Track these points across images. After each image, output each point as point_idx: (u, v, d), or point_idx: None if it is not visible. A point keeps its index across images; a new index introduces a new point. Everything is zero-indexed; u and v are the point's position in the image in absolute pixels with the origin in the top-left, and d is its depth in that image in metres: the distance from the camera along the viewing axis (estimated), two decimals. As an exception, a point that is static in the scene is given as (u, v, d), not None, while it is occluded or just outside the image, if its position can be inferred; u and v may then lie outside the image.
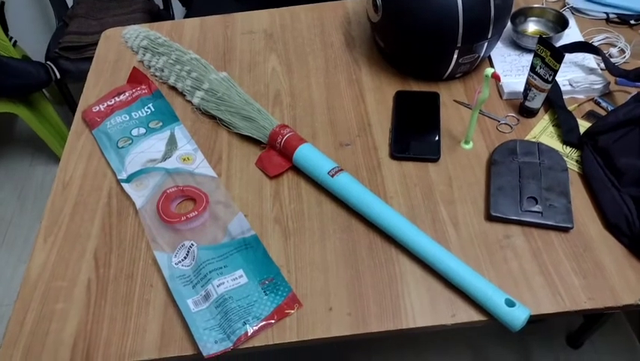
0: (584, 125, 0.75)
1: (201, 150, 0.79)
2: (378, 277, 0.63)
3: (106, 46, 1.00)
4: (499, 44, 0.89)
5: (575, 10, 0.95)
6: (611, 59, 0.84)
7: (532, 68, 0.74)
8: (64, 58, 1.53)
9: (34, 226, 1.65)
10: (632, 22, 0.91)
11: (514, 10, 0.86)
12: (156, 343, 0.59)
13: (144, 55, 0.95)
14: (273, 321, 0.60)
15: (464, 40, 0.77)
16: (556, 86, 0.80)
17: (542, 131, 0.77)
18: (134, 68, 0.91)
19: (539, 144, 0.73)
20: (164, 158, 0.77)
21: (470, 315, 0.59)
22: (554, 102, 0.78)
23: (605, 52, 0.84)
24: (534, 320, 0.59)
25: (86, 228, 0.71)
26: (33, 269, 0.67)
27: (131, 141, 0.80)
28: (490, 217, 0.67)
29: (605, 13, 0.93)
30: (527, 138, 0.76)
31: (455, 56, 0.79)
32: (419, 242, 0.63)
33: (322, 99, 0.85)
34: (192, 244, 0.66)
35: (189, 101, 0.86)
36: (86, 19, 1.61)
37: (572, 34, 0.90)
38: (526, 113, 0.79)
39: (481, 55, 0.82)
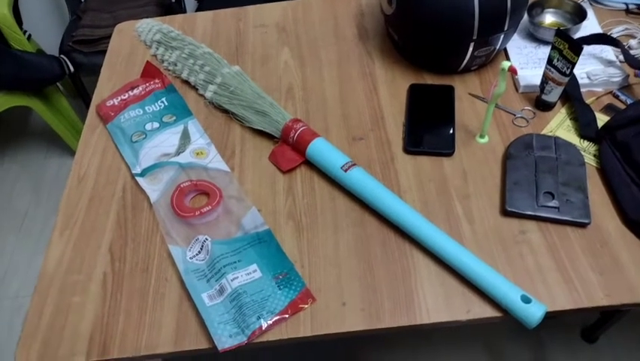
0: (602, 119, 0.74)
1: (214, 144, 0.79)
2: (392, 272, 0.63)
3: (119, 40, 1.00)
4: (515, 36, 0.87)
5: (594, 1, 0.93)
6: (631, 51, 0.82)
7: (550, 61, 0.73)
8: (78, 51, 1.54)
9: (49, 218, 1.68)
10: (653, 12, 0.89)
11: (530, 1, 0.84)
12: (171, 336, 0.60)
13: (157, 49, 0.95)
14: (287, 316, 0.60)
15: (480, 33, 0.75)
16: (573, 78, 0.78)
17: (559, 125, 0.76)
18: (148, 62, 0.91)
19: (556, 138, 0.72)
20: (178, 152, 0.77)
21: (485, 311, 0.59)
22: (572, 95, 0.77)
23: (624, 44, 0.82)
24: (549, 316, 0.58)
25: (101, 222, 0.72)
26: (49, 263, 0.68)
27: (144, 136, 0.80)
28: (505, 212, 0.66)
29: (625, 3, 0.91)
30: (544, 131, 0.75)
31: (471, 49, 0.78)
32: (433, 237, 0.62)
33: (335, 93, 0.84)
34: (206, 239, 0.66)
35: (202, 95, 0.86)
36: (98, 12, 1.61)
37: (590, 25, 0.88)
38: (543, 106, 0.78)
39: (497, 47, 0.80)
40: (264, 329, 0.58)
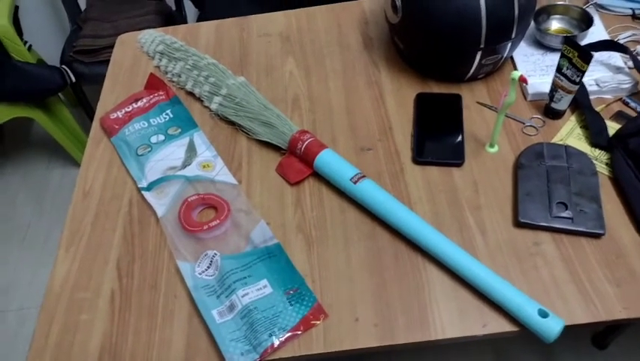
0: (612, 127, 0.73)
1: (221, 156, 0.78)
2: (405, 286, 0.62)
3: (121, 51, 0.99)
4: (521, 43, 0.87)
5: (600, 7, 0.92)
6: (639, 57, 0.81)
7: (559, 69, 0.72)
8: (79, 61, 1.53)
9: (52, 229, 1.67)
10: (660, 17, 0.89)
11: (536, 7, 0.84)
12: (182, 355, 0.59)
13: (161, 60, 0.94)
14: (299, 332, 0.59)
15: (487, 42, 0.75)
16: (582, 86, 0.78)
17: (569, 133, 0.75)
18: (151, 73, 0.90)
19: (567, 147, 0.71)
20: (184, 165, 0.77)
21: (502, 326, 0.58)
22: (581, 103, 0.76)
23: (632, 50, 0.82)
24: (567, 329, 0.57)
25: (107, 237, 0.71)
26: (56, 280, 0.67)
27: (150, 149, 0.79)
28: (518, 223, 0.65)
29: (631, 9, 0.91)
30: (554, 140, 0.74)
31: (478, 58, 0.77)
32: (446, 250, 0.61)
33: (341, 103, 0.84)
34: (215, 254, 0.65)
35: (207, 107, 0.85)
36: (99, 22, 1.61)
37: (597, 31, 0.87)
38: (552, 114, 0.77)
39: (505, 55, 0.80)
40: (276, 346, 0.57)
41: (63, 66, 1.52)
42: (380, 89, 0.85)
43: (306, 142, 0.73)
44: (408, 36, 0.83)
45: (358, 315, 0.60)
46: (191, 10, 1.78)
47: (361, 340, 0.58)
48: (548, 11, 0.89)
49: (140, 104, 0.86)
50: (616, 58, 0.83)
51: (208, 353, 0.59)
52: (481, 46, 0.76)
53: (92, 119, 0.87)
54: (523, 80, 0.65)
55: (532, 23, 0.85)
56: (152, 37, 0.99)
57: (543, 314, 0.55)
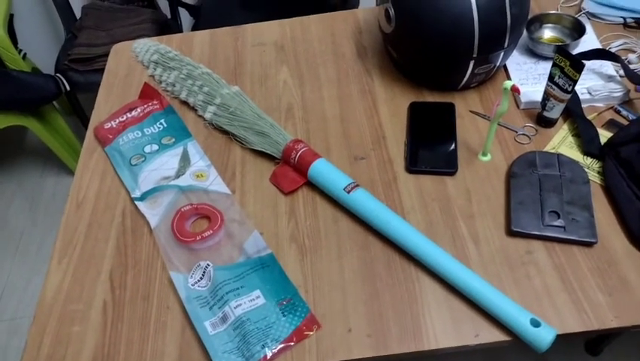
0: (604, 135, 0.74)
1: (214, 166, 0.78)
2: (398, 296, 0.62)
3: (116, 60, 0.99)
4: (514, 52, 0.87)
5: (592, 16, 0.93)
6: (630, 66, 0.82)
7: (551, 78, 0.73)
8: (74, 70, 1.53)
9: (46, 237, 1.66)
10: (650, 26, 0.90)
11: (529, 16, 0.84)
12: (174, 367, 0.59)
13: (155, 69, 0.94)
14: (292, 343, 0.59)
15: (480, 51, 0.75)
16: (574, 94, 0.78)
17: (562, 141, 0.75)
18: (145, 83, 0.90)
19: (559, 156, 0.71)
20: (178, 175, 0.77)
21: (494, 335, 0.58)
22: (573, 111, 0.77)
23: (624, 58, 0.82)
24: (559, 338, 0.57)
25: (100, 248, 0.70)
26: (48, 291, 0.67)
27: (144, 158, 0.79)
28: (511, 232, 0.65)
29: (623, 17, 0.91)
30: (546, 148, 0.75)
31: (471, 67, 0.78)
32: (439, 260, 0.61)
33: (335, 112, 0.84)
34: (208, 265, 0.65)
35: (201, 116, 0.85)
36: (94, 30, 1.61)
37: (589, 40, 0.88)
38: (545, 123, 0.77)
39: (497, 64, 0.80)
40: (268, 358, 0.57)
41: (58, 74, 1.52)
42: (374, 98, 0.85)
43: (300, 151, 0.73)
44: (401, 45, 0.83)
45: (351, 325, 0.60)
46: (186, 18, 1.79)
47: (354, 351, 0.58)
48: (541, 20, 0.90)
49: (134, 113, 0.86)
50: (608, 66, 0.84)
51: (201, 365, 0.58)
52: (474, 55, 0.76)
53: (86, 127, 0.87)
54: (515, 90, 0.65)
55: (525, 32, 0.86)
56: (146, 46, 0.99)
57: (535, 324, 0.55)
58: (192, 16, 1.65)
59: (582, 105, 0.78)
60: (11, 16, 1.60)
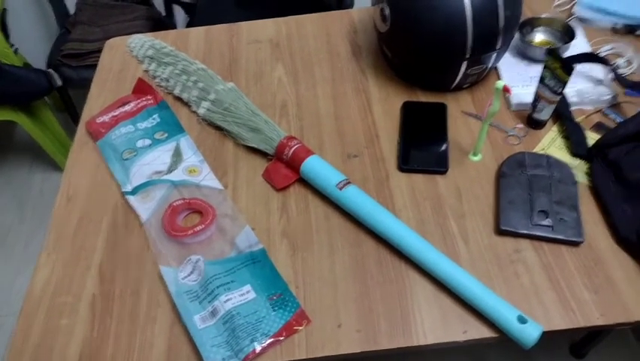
0: (592, 137, 0.75)
1: (207, 161, 0.78)
2: (388, 292, 0.62)
3: (110, 55, 0.99)
4: (506, 54, 0.88)
5: (582, 20, 0.95)
6: (619, 70, 0.83)
7: (542, 80, 0.74)
8: (66, 65, 1.52)
9: (33, 234, 1.64)
10: (639, 32, 0.91)
11: (521, 20, 0.85)
12: (162, 360, 0.58)
13: (150, 65, 0.94)
14: (281, 338, 0.59)
15: (473, 52, 0.76)
16: (564, 97, 0.79)
17: (551, 143, 0.76)
18: (140, 78, 0.90)
19: (548, 157, 0.72)
20: (170, 170, 0.76)
21: (482, 332, 0.58)
22: (562, 114, 0.78)
23: (612, 62, 0.84)
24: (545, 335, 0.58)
25: (90, 242, 0.70)
26: (36, 284, 0.66)
27: (136, 153, 0.79)
28: (500, 231, 0.66)
29: (612, 22, 0.93)
30: (536, 149, 0.76)
31: (463, 67, 0.79)
32: (429, 257, 0.62)
33: (329, 110, 0.84)
34: (199, 259, 0.65)
35: (195, 112, 0.85)
36: (88, 26, 1.60)
37: (579, 44, 0.89)
38: (535, 124, 0.78)
39: (489, 66, 0.81)
40: (257, 352, 0.57)
41: (50, 70, 1.51)
42: (367, 97, 0.86)
43: (293, 148, 0.74)
44: (396, 45, 0.84)
45: (341, 321, 0.60)
46: (180, 16, 1.79)
47: (344, 346, 0.58)
48: (533, 23, 0.91)
49: (127, 108, 0.86)
50: (597, 70, 0.85)
51: (189, 359, 0.58)
52: (467, 56, 0.77)
53: (77, 124, 0.87)
54: (506, 90, 0.66)
55: (517, 35, 0.87)
56: (141, 41, 0.99)
57: (522, 320, 0.56)
58: (187, 14, 1.64)
59: (571, 108, 0.79)
60: (4, 11, 1.59)
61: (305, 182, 0.73)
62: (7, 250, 1.61)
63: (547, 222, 0.65)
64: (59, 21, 1.70)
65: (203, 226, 0.69)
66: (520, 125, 0.79)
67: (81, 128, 0.85)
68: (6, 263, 1.58)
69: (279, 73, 0.92)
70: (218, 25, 1.03)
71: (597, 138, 0.73)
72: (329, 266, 0.65)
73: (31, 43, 1.81)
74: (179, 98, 0.88)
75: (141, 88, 0.89)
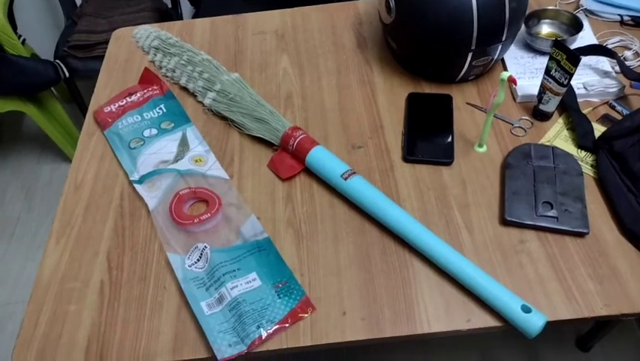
0: (598, 129, 0.75)
1: (213, 151, 0.78)
2: (392, 281, 0.63)
3: (116, 46, 1.00)
4: (512, 47, 0.88)
5: (589, 13, 0.94)
6: (626, 62, 0.83)
7: (547, 72, 0.74)
8: (73, 56, 1.53)
9: (41, 224, 1.66)
10: (647, 24, 0.91)
11: (527, 11, 0.85)
12: (170, 345, 0.59)
13: (155, 55, 0.95)
14: (287, 325, 0.59)
15: (478, 43, 0.76)
16: (570, 89, 0.79)
17: (557, 134, 0.76)
18: (146, 68, 0.90)
19: (554, 148, 0.72)
20: (176, 159, 0.77)
21: (486, 320, 0.59)
22: (569, 105, 0.78)
23: (620, 55, 0.83)
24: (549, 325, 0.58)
25: (98, 229, 0.71)
26: (45, 270, 0.67)
27: (142, 142, 0.79)
28: (504, 222, 0.66)
29: (619, 15, 0.92)
30: (541, 141, 0.76)
31: (469, 59, 0.79)
32: (433, 246, 0.62)
33: (334, 101, 0.85)
34: (205, 247, 0.66)
35: (201, 102, 0.86)
36: (94, 17, 1.61)
37: (586, 36, 0.89)
38: (540, 116, 0.78)
39: (495, 57, 0.81)
40: (263, 338, 0.58)
41: (57, 60, 1.52)
42: (372, 89, 0.86)
43: (299, 138, 0.74)
44: (401, 36, 0.84)
45: (346, 309, 0.61)
46: (186, 8, 1.79)
47: (348, 333, 0.59)
48: (539, 15, 0.90)
49: (133, 98, 0.86)
50: (604, 62, 0.85)
51: (196, 344, 0.59)
52: (472, 47, 0.77)
53: (84, 114, 0.87)
54: (512, 80, 0.66)
55: (523, 27, 0.87)
56: (147, 32, 0.99)
57: (526, 310, 0.56)
58: (193, 5, 1.65)
59: (578, 100, 0.79)
60: (11, 2, 1.60)
61: (309, 172, 0.74)
62: (16, 239, 1.63)
63: (552, 213, 0.66)
64: (66, 12, 1.71)
65: (209, 214, 0.69)
66: (526, 117, 0.79)
67: (89, 118, 0.86)
68: (15, 252, 1.60)
69: (284, 64, 0.92)
70: (224, 16, 1.03)
71: (603, 130, 0.73)
72: (334, 255, 0.66)
73: (39, 34, 1.82)
74: (184, 89, 0.89)
75: (147, 78, 0.89)
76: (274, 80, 0.89)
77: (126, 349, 0.59)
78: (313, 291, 0.63)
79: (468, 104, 0.82)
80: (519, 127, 0.78)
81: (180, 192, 0.72)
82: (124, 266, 0.67)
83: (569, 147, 0.74)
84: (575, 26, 0.87)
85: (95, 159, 0.80)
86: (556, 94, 0.74)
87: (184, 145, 0.79)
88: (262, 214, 0.71)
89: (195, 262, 0.65)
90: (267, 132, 0.78)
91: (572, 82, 0.79)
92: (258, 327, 0.59)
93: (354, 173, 0.69)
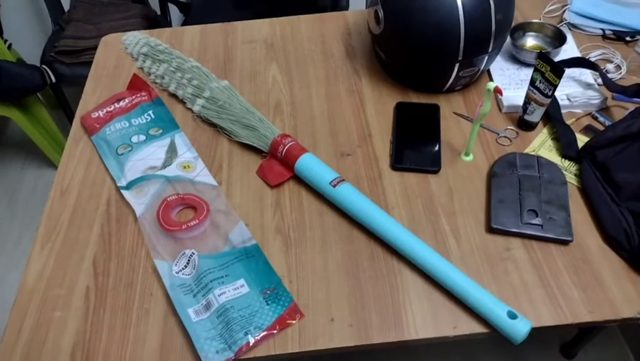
0: (582, 140, 0.76)
1: (202, 158, 0.78)
2: (380, 288, 0.63)
3: (105, 52, 0.99)
4: (498, 58, 0.90)
5: (572, 26, 0.97)
6: (608, 75, 0.85)
7: (532, 83, 0.75)
8: (60, 62, 1.52)
9: (24, 231, 1.63)
10: (628, 38, 0.93)
11: (513, 24, 0.87)
12: (156, 352, 0.59)
13: (144, 62, 0.95)
14: (274, 331, 0.59)
15: (465, 54, 0.77)
16: (554, 100, 0.81)
17: (541, 144, 0.78)
18: (134, 74, 0.90)
19: (539, 158, 0.74)
20: (165, 165, 0.77)
21: (472, 327, 0.59)
22: (553, 116, 0.79)
23: (602, 67, 0.85)
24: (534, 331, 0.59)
25: (84, 235, 0.70)
26: (30, 277, 0.66)
27: (130, 148, 0.79)
28: (490, 229, 0.67)
29: (602, 29, 0.95)
30: (526, 151, 0.77)
31: (456, 70, 0.80)
32: (421, 253, 0.63)
33: (323, 109, 0.85)
34: (193, 253, 0.66)
35: (190, 109, 0.86)
36: (82, 23, 1.60)
37: (570, 49, 0.91)
38: (525, 126, 0.80)
39: (481, 68, 0.82)
40: (251, 345, 0.58)
41: (43, 66, 1.51)
42: (361, 98, 0.87)
43: (288, 145, 0.74)
44: (389, 47, 0.85)
45: (334, 315, 0.61)
46: (175, 15, 1.79)
47: (336, 340, 0.59)
48: (524, 28, 0.92)
49: (122, 104, 0.86)
50: (587, 75, 0.87)
51: (183, 351, 0.59)
52: (459, 58, 0.78)
53: (71, 120, 0.87)
54: (498, 91, 0.67)
55: (509, 39, 0.89)
56: (136, 39, 0.99)
57: (512, 316, 0.57)
58: (182, 13, 1.65)
59: (561, 111, 0.81)
60: (-3, 6, 1.59)
61: (298, 179, 0.74)
62: (-4, 247, 1.60)
63: (537, 221, 0.67)
64: (53, 18, 1.69)
65: (197, 221, 0.69)
66: (512, 127, 0.81)
67: (76, 123, 0.85)
68: (-4, 260, 1.57)
69: (273, 72, 0.92)
70: (214, 24, 1.03)
71: (586, 141, 0.75)
72: (322, 262, 0.66)
73: (25, 39, 1.81)
74: (173, 95, 0.89)
75: (136, 84, 0.89)
76: (263, 87, 0.90)
77: (112, 356, 0.59)
78: (301, 298, 0.63)
79: (455, 113, 0.83)
80: (505, 137, 0.79)
81: (168, 199, 0.72)
82: (110, 272, 0.66)
83: (554, 157, 0.76)
84: (559, 39, 0.89)
85: (81, 165, 0.79)
86: (541, 105, 0.76)
87: (172, 151, 0.79)
88: (251, 221, 0.71)
89: (183, 269, 0.65)
90: (256, 139, 0.78)
91: (556, 93, 0.81)
92: (246, 334, 0.58)
93: (342, 180, 0.70)
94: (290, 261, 0.66)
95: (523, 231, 0.66)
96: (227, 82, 0.87)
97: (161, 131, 0.82)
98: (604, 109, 0.82)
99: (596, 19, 0.96)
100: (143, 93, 0.88)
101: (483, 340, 1.29)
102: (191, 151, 0.79)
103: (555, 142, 0.78)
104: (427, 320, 0.60)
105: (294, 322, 0.60)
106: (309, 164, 0.72)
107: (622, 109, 0.82)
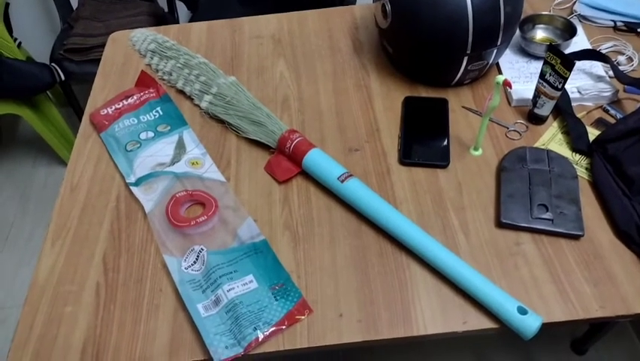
0: (593, 133, 0.75)
1: (210, 154, 0.79)
2: (389, 283, 0.63)
3: (113, 49, 1.00)
4: (507, 51, 0.89)
5: (583, 18, 0.95)
6: (619, 67, 0.84)
7: (542, 76, 0.75)
8: (69, 60, 1.53)
9: (36, 228, 1.65)
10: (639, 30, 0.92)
11: (522, 17, 0.86)
12: (166, 348, 0.59)
13: (152, 58, 0.95)
14: (283, 327, 0.59)
15: (474, 48, 0.77)
16: (565, 93, 0.80)
17: (551, 138, 0.77)
18: (142, 71, 0.91)
19: (549, 151, 0.73)
20: (173, 162, 0.77)
21: (482, 322, 0.59)
22: (563, 109, 0.78)
23: (613, 59, 0.84)
24: (544, 327, 0.59)
25: (94, 231, 0.71)
26: (41, 273, 0.67)
27: (139, 145, 0.79)
28: (500, 224, 0.67)
29: (613, 21, 0.93)
30: (536, 145, 0.76)
31: (464, 63, 0.79)
32: (430, 248, 0.63)
33: (331, 104, 0.85)
34: (202, 249, 0.66)
35: (197, 105, 0.86)
36: (90, 21, 1.61)
37: (580, 41, 0.90)
38: (535, 120, 0.79)
39: (490, 62, 0.82)
40: (260, 340, 0.58)
41: (53, 64, 1.52)
42: (369, 92, 0.87)
43: (295, 141, 0.74)
44: (397, 41, 0.85)
45: (342, 311, 0.61)
46: (183, 11, 1.79)
47: (345, 335, 0.59)
48: (533, 20, 0.91)
49: (130, 101, 0.86)
50: (597, 67, 0.86)
51: (192, 346, 0.59)
52: (468, 52, 0.77)
53: (80, 118, 0.88)
54: (507, 84, 0.67)
55: (518, 32, 0.88)
56: (144, 35, 0.99)
57: (522, 311, 0.56)
58: (189, 10, 1.65)
59: (572, 104, 0.80)
60: (7, 5, 1.60)
61: (306, 174, 0.74)
62: (10, 243, 1.62)
63: (547, 215, 0.66)
64: (62, 16, 1.70)
65: (205, 217, 0.69)
66: (521, 121, 0.80)
67: (85, 120, 0.86)
68: (9, 256, 1.59)
69: (280, 68, 0.92)
70: (220, 20, 1.03)
71: (597, 134, 0.74)
72: (330, 257, 0.66)
73: (35, 37, 1.82)
74: (181, 92, 0.89)
75: (144, 81, 0.89)
76: (271, 83, 0.89)
77: (122, 351, 0.59)
78: (310, 293, 0.63)
79: (463, 107, 0.83)
80: (514, 130, 0.79)
81: (177, 195, 0.72)
82: (120, 268, 0.67)
83: (564, 151, 0.75)
84: (569, 31, 0.88)
85: (91, 162, 0.80)
86: (551, 98, 0.75)
87: (181, 148, 0.79)
88: (259, 217, 0.71)
89: (192, 265, 0.65)
90: (264, 135, 0.78)
91: (566, 86, 0.80)
92: (255, 329, 0.58)
93: (350, 175, 0.70)
94: (298, 256, 0.66)
95: (533, 225, 0.65)
96: (235, 78, 0.87)
97: (169, 127, 0.82)
98: (615, 102, 0.81)
99: (607, 10, 0.94)
100: (151, 90, 0.88)
101: (492, 336, 1.29)
102: (200, 147, 0.80)
103: (565, 135, 0.77)
104: (436, 315, 0.60)
105: (302, 317, 0.60)
106: (317, 159, 0.72)
107: (634, 102, 0.81)
